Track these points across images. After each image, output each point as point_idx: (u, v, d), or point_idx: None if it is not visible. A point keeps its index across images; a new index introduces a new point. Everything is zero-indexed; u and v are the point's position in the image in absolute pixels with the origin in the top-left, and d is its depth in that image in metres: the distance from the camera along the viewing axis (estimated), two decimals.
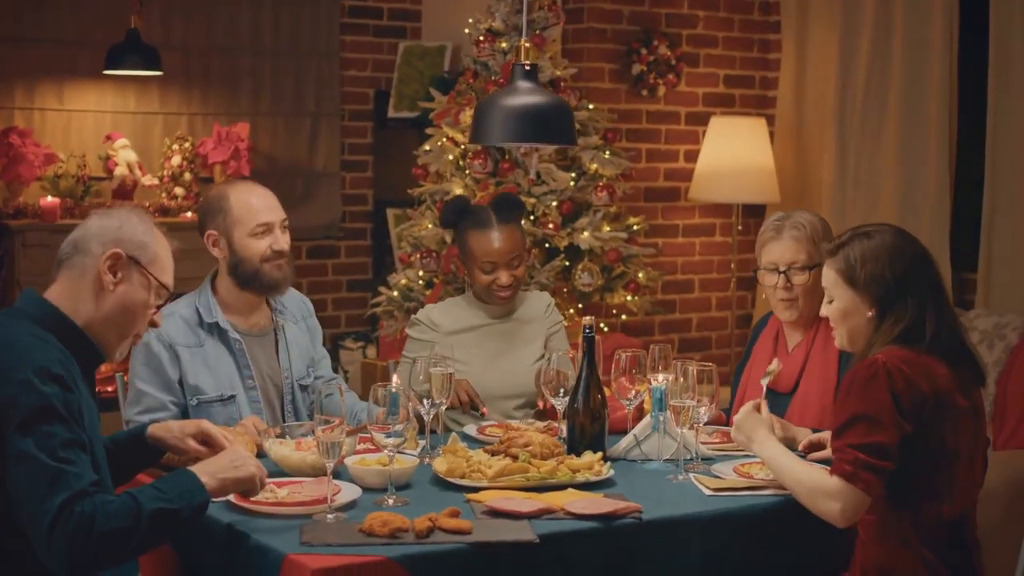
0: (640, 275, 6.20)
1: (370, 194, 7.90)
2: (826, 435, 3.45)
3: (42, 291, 2.93)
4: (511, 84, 3.32)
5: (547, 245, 5.95)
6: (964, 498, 3.12)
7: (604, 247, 5.99)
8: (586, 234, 5.93)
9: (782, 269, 3.84)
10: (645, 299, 6.28)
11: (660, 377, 3.53)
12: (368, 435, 3.19)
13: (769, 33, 7.23)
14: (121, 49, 6.64)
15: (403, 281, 6.14)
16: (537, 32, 5.94)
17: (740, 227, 6.92)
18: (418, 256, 6.03)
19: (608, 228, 6.02)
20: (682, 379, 3.38)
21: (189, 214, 6.90)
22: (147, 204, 6.84)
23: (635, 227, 6.24)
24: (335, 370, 4.48)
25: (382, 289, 6.36)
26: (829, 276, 3.22)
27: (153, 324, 3.00)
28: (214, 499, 2.87)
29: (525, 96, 3.29)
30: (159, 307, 2.99)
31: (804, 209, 4.02)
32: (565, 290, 5.99)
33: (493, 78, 6.02)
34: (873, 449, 2.98)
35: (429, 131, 6.27)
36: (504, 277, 4.20)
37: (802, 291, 3.83)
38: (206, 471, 2.86)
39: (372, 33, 7.81)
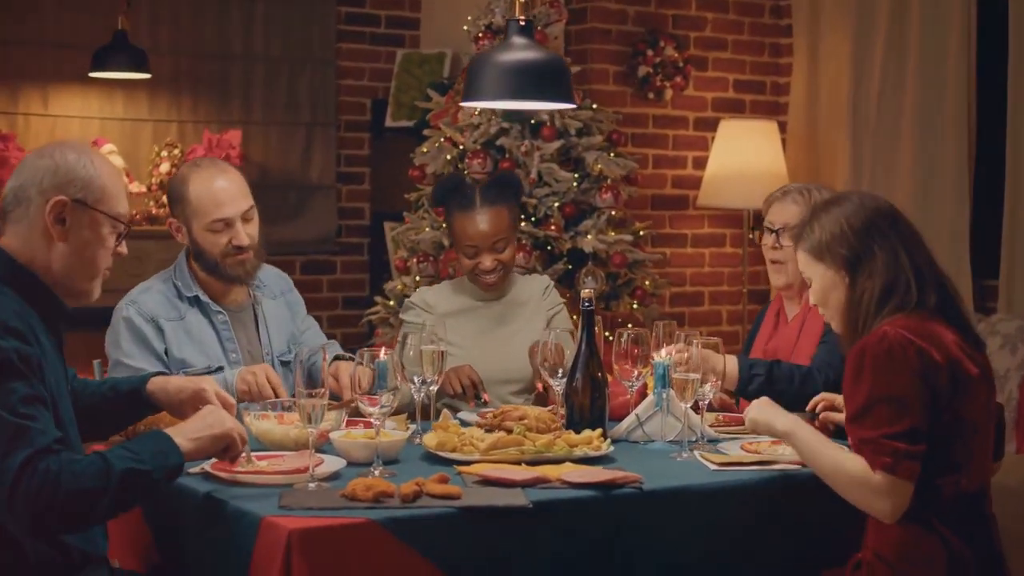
0: (647, 283, 6.13)
1: (367, 208, 7.84)
2: (837, 397, 3.37)
3: None
4: (505, 40, 3.26)
5: (549, 248, 5.89)
6: (981, 470, 3.01)
7: (609, 251, 5.92)
8: (590, 237, 5.87)
9: (776, 228, 3.88)
10: (653, 308, 6.21)
11: (663, 352, 3.46)
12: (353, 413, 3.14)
13: (780, 37, 7.20)
14: (108, 50, 6.60)
15: (399, 287, 6.08)
16: (539, 29, 5.90)
17: (751, 236, 6.85)
18: (415, 261, 5.97)
19: (613, 233, 5.96)
20: (686, 354, 3.32)
21: None
22: (134, 212, 6.80)
23: (641, 233, 6.19)
24: None
25: (378, 299, 6.30)
26: (801, 259, 3.16)
27: (118, 255, 2.91)
28: (190, 461, 2.80)
29: (520, 52, 3.23)
30: (121, 236, 2.90)
31: (829, 188, 4.02)
32: (567, 296, 5.92)
33: None
34: (907, 436, 2.87)
35: (427, 132, 6.23)
36: (487, 261, 4.14)
37: (791, 254, 3.83)
38: (180, 433, 2.79)
39: (369, 41, 7.78)
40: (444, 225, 5.82)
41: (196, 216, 3.79)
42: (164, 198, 6.87)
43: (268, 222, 4.06)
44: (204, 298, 3.84)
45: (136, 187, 6.91)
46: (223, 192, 3.80)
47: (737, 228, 7.06)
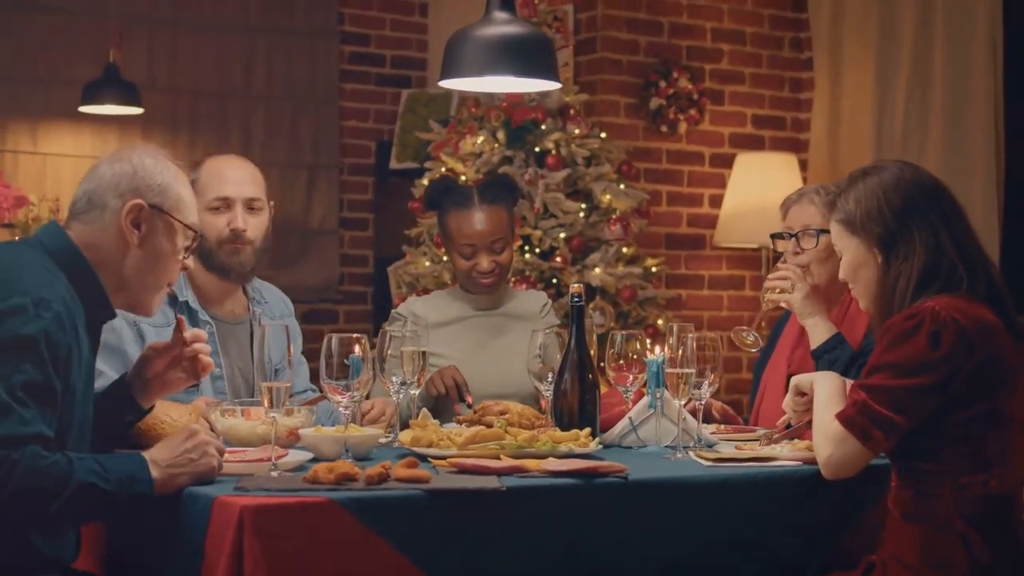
0: (659, 321, 6.06)
1: (371, 254, 7.80)
2: None
3: None
4: (486, 15, 3.22)
5: (555, 281, 5.82)
6: (1014, 472, 2.91)
7: (618, 285, 5.86)
8: (598, 270, 5.81)
9: (795, 232, 3.81)
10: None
11: (656, 349, 3.38)
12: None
13: (800, 71, 7.17)
14: (98, 84, 6.61)
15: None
16: None
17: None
18: (414, 296, 5.91)
19: (622, 267, 5.91)
20: (680, 350, 3.24)
21: None
22: None
23: (653, 269, 6.12)
24: None
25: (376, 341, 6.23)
26: (834, 230, 3.09)
27: (184, 268, 2.93)
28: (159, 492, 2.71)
29: (501, 26, 3.19)
30: (188, 248, 2.91)
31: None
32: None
33: (496, 103, 5.96)
34: (886, 394, 2.80)
35: (428, 164, 6.21)
36: (485, 262, 4.09)
37: (813, 257, 3.77)
38: (159, 461, 2.69)
39: (374, 82, 7.78)
40: (441, 244, 5.76)
41: (201, 194, 3.61)
42: None
43: (266, 268, 3.96)
44: (194, 304, 3.70)
45: None
46: (233, 172, 3.72)
47: (756, 270, 6.98)
